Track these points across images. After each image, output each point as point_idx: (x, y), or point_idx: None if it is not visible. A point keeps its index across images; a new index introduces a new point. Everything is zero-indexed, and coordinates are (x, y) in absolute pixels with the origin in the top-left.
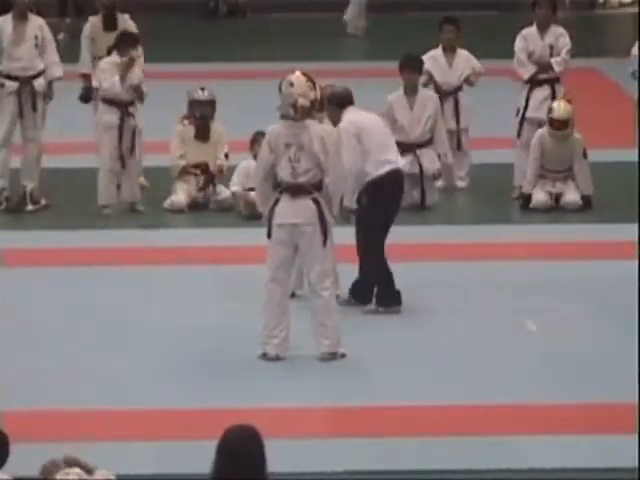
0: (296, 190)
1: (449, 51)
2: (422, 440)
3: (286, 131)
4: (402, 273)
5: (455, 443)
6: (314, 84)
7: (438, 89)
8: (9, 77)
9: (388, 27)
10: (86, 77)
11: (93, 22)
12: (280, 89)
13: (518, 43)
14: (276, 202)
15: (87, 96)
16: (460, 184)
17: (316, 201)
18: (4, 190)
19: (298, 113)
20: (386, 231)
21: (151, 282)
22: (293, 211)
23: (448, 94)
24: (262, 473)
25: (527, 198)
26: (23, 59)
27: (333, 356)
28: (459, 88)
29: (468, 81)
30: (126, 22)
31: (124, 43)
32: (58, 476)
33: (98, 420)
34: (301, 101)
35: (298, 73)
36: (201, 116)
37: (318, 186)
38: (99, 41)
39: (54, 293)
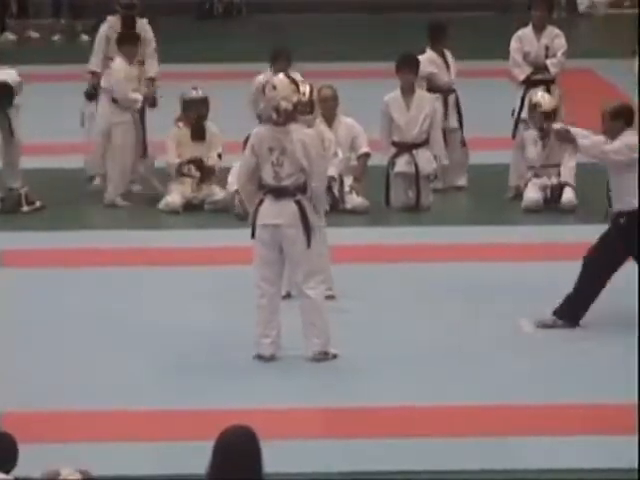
0: (279, 192)
1: (440, 52)
2: (420, 441)
3: (269, 135)
4: (397, 274)
5: (454, 444)
6: (297, 87)
7: (441, 88)
8: None
9: (386, 27)
10: (94, 75)
11: (111, 22)
12: (263, 92)
13: (513, 44)
14: (260, 203)
15: (94, 93)
16: (462, 182)
17: (298, 203)
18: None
19: (281, 117)
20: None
21: (147, 283)
22: (275, 213)
23: (451, 92)
24: (258, 473)
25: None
26: None
27: (325, 355)
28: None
29: None
30: (144, 27)
31: None
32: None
33: (96, 421)
34: (284, 104)
35: (281, 76)
36: (196, 116)
37: (302, 188)
38: (114, 42)
39: (51, 294)
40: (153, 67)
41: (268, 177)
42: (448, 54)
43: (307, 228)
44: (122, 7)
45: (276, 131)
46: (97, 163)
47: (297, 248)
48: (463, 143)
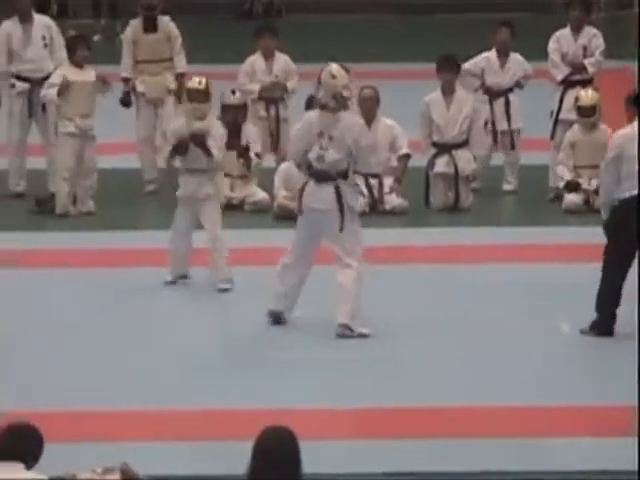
0: (321, 176)
1: (502, 53)
2: (448, 442)
3: (320, 120)
4: (436, 275)
5: (485, 444)
6: (351, 76)
7: (489, 90)
8: (19, 78)
9: (426, 28)
10: (126, 81)
11: (133, 25)
12: (319, 81)
13: (551, 44)
14: (304, 185)
15: (127, 100)
16: (507, 187)
17: (337, 187)
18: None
19: (339, 104)
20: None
21: (183, 282)
22: (316, 197)
23: (499, 95)
24: (297, 474)
25: (562, 193)
26: (33, 61)
27: (347, 330)
28: (510, 89)
29: (518, 84)
30: (167, 24)
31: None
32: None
33: (122, 420)
34: (344, 92)
35: (336, 66)
36: (232, 120)
37: (343, 174)
38: (140, 44)
39: (72, 293)
40: (182, 63)
41: (314, 159)
42: (515, 57)
43: (342, 212)
44: (143, 9)
45: (326, 117)
46: (148, 169)
47: (334, 229)
48: (511, 147)
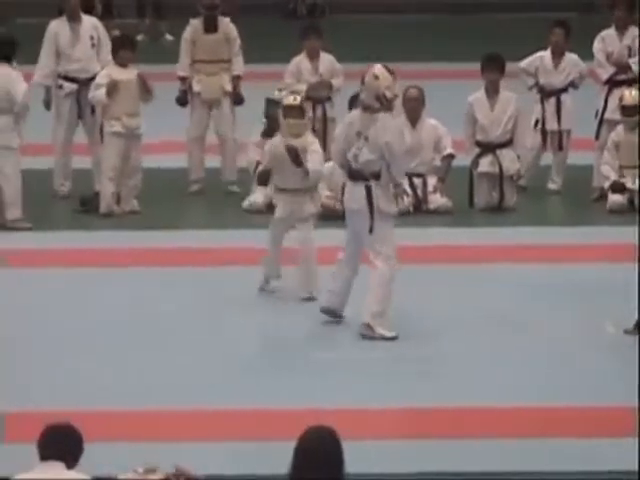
0: (354, 176)
1: (557, 54)
2: (496, 442)
3: (360, 120)
4: (480, 274)
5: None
6: (395, 77)
7: (541, 89)
8: (66, 79)
9: (469, 28)
10: (183, 80)
11: (194, 25)
12: (363, 82)
13: (596, 45)
14: (344, 186)
15: (184, 99)
16: (552, 186)
17: (368, 188)
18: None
19: (383, 105)
20: None
21: (227, 281)
22: (351, 196)
23: (550, 95)
24: (339, 473)
25: (606, 193)
26: (80, 60)
27: (368, 329)
28: (563, 90)
29: (573, 84)
30: (227, 25)
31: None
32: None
33: (165, 420)
34: (387, 94)
35: (380, 66)
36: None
37: (376, 175)
38: (199, 44)
39: (116, 291)
40: (239, 65)
41: (350, 158)
42: (570, 57)
43: (371, 213)
44: (205, 8)
45: (366, 117)
46: (195, 168)
47: (365, 229)
48: (559, 147)
